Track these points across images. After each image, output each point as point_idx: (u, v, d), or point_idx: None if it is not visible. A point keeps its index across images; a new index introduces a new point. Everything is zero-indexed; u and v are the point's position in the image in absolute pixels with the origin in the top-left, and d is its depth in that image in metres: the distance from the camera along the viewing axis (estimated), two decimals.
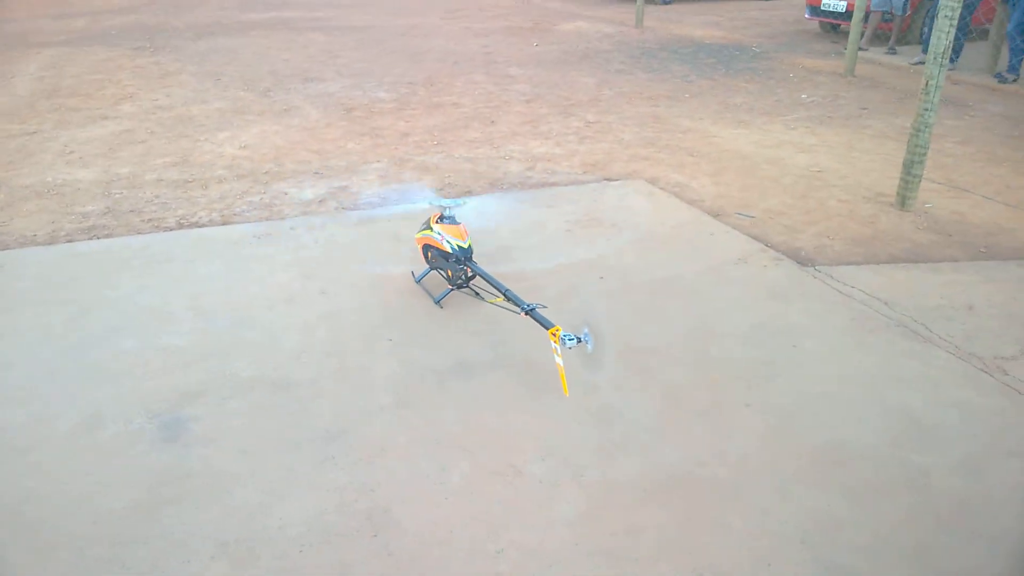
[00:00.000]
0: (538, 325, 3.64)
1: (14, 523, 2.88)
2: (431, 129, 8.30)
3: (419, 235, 4.67)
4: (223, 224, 5.69)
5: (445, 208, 4.48)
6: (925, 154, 5.94)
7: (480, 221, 5.65)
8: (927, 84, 5.71)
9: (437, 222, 4.50)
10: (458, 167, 7.07)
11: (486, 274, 4.13)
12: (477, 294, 4.49)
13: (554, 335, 3.43)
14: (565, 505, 3.01)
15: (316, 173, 6.84)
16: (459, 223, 4.46)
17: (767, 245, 5.40)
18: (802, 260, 5.17)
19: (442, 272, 4.58)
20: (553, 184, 6.61)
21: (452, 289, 4.51)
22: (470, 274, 4.35)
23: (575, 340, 3.34)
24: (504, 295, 3.88)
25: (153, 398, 3.60)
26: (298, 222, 5.73)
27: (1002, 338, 4.19)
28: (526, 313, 3.66)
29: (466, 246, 4.33)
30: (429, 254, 4.63)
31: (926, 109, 5.80)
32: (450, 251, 4.32)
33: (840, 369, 3.91)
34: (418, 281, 4.78)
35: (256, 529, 2.87)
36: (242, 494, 3.04)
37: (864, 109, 9.46)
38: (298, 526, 2.88)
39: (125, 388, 3.67)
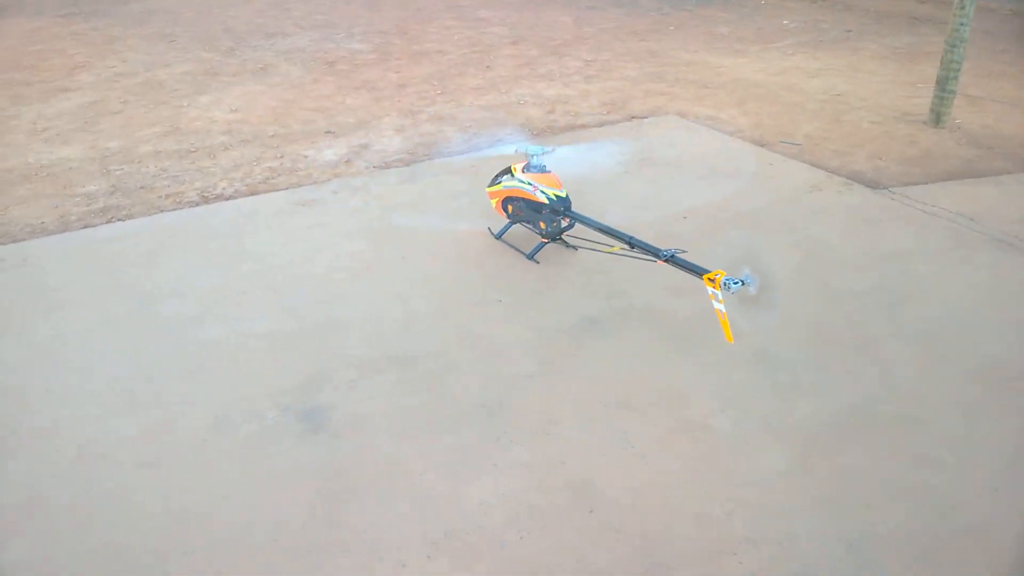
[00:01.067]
0: (660, 269, 3.42)
1: (185, 553, 2.52)
2: (427, 78, 7.85)
3: (495, 188, 4.36)
4: (252, 194, 5.22)
5: (532, 156, 4.17)
6: (959, 70, 5.91)
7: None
8: None
9: (523, 172, 4.19)
10: (475, 116, 6.70)
11: (598, 223, 3.87)
12: (568, 245, 4.23)
13: (711, 280, 3.21)
14: (767, 456, 2.86)
15: (328, 132, 6.37)
16: (549, 171, 4.16)
17: (828, 171, 5.30)
18: (869, 183, 5.09)
19: (529, 225, 4.29)
20: (583, 126, 6.33)
21: (546, 242, 4.24)
22: (565, 224, 4.08)
23: (739, 283, 3.12)
24: (629, 243, 3.63)
25: (273, 389, 3.25)
26: (337, 185, 5.31)
27: None
28: (666, 260, 3.42)
29: (563, 195, 4.05)
30: (510, 207, 4.33)
31: (961, 24, 5.75)
32: (547, 201, 4.04)
33: (960, 290, 3.85)
34: (499, 237, 4.48)
35: (459, 518, 2.61)
36: (424, 482, 2.77)
37: (849, 32, 9.45)
38: (502, 510, 2.64)
39: (238, 381, 3.30)
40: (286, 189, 5.26)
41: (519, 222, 4.37)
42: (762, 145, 5.84)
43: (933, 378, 3.25)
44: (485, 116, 6.66)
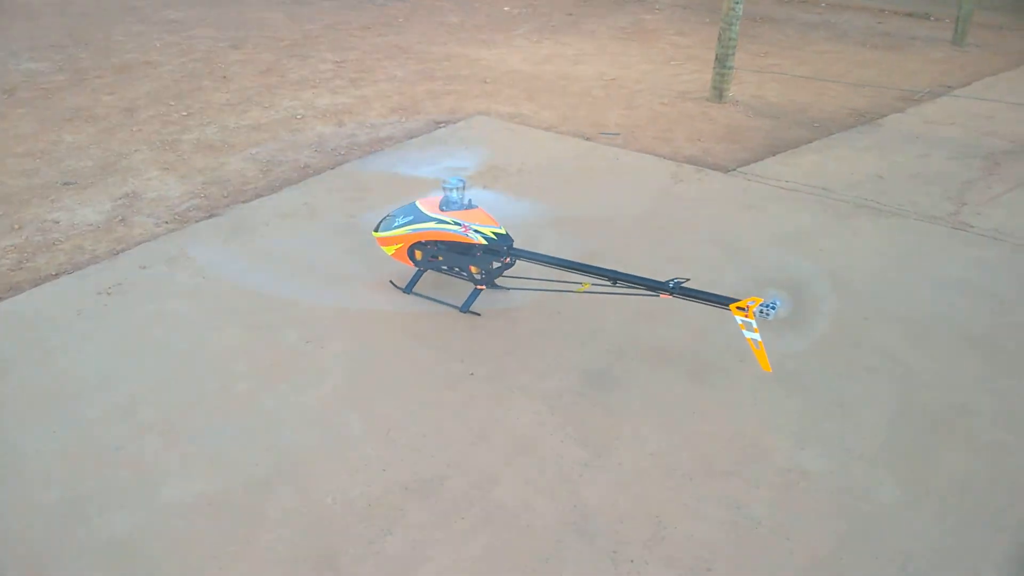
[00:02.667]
0: (621, 299, 3.02)
1: None
2: (157, 97, 6.35)
3: (394, 232, 3.54)
4: (8, 294, 3.67)
5: (450, 188, 3.43)
6: (735, 47, 6.27)
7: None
8: None
9: (440, 209, 3.44)
10: (253, 139, 5.54)
11: (558, 259, 3.29)
12: (506, 289, 3.60)
13: (741, 310, 2.86)
14: (881, 490, 2.61)
15: (67, 184, 4.77)
16: (476, 205, 3.46)
17: (671, 160, 5.26)
18: (715, 167, 5.15)
19: (454, 272, 3.56)
20: (391, 139, 5.56)
21: (482, 290, 3.53)
22: (502, 265, 3.44)
23: (774, 307, 2.80)
24: (612, 279, 3.12)
25: None
26: (140, 256, 3.95)
27: (929, 194, 4.69)
28: (672, 293, 2.99)
29: (503, 231, 3.40)
30: (419, 254, 3.55)
31: (736, 2, 6.07)
32: (484, 242, 3.35)
33: (879, 257, 3.99)
34: (410, 290, 3.66)
35: None
36: None
37: (570, 15, 9.71)
38: None
39: None
40: (59, 276, 3.78)
41: (434, 269, 3.60)
42: (589, 139, 5.63)
43: (924, 345, 3.26)
44: (266, 138, 5.53)
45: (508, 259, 3.40)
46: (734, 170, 5.08)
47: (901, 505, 2.53)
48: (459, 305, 3.54)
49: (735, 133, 5.79)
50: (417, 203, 3.54)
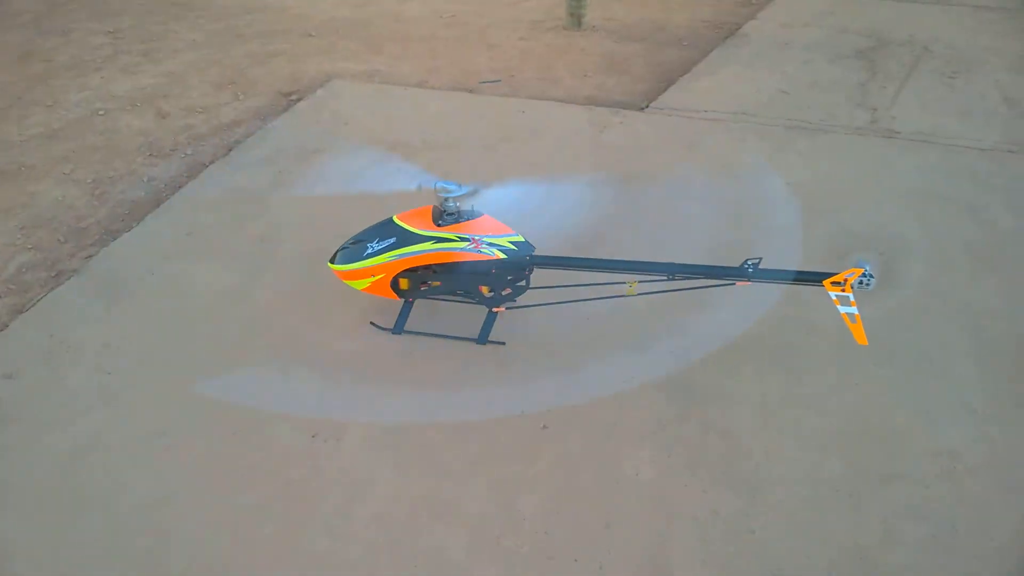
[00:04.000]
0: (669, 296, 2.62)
1: None
2: None
3: (373, 262, 2.76)
4: None
5: (448, 200, 2.69)
6: None
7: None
8: None
9: (439, 224, 2.70)
10: (61, 151, 4.20)
11: (600, 261, 2.72)
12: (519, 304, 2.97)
13: (837, 284, 2.53)
14: None
15: None
16: (481, 213, 2.76)
17: (569, 103, 4.76)
18: (624, 105, 4.74)
19: (458, 297, 2.86)
20: (239, 124, 4.51)
21: (498, 313, 2.87)
22: (526, 279, 2.81)
23: (872, 276, 2.51)
24: (671, 274, 2.62)
25: None
26: None
27: (838, 104, 4.65)
28: (750, 279, 2.57)
29: (521, 239, 2.75)
30: (404, 283, 2.82)
31: None
32: (504, 256, 2.69)
33: (842, 181, 3.87)
34: (401, 330, 2.91)
35: None
36: None
37: None
38: None
39: None
40: None
41: (427, 298, 2.88)
42: (471, 92, 4.94)
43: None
44: (73, 150, 4.23)
45: (530, 271, 2.76)
46: (647, 107, 4.70)
47: None
48: (474, 337, 2.86)
49: (615, 63, 5.38)
50: (397, 220, 2.76)
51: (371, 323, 2.96)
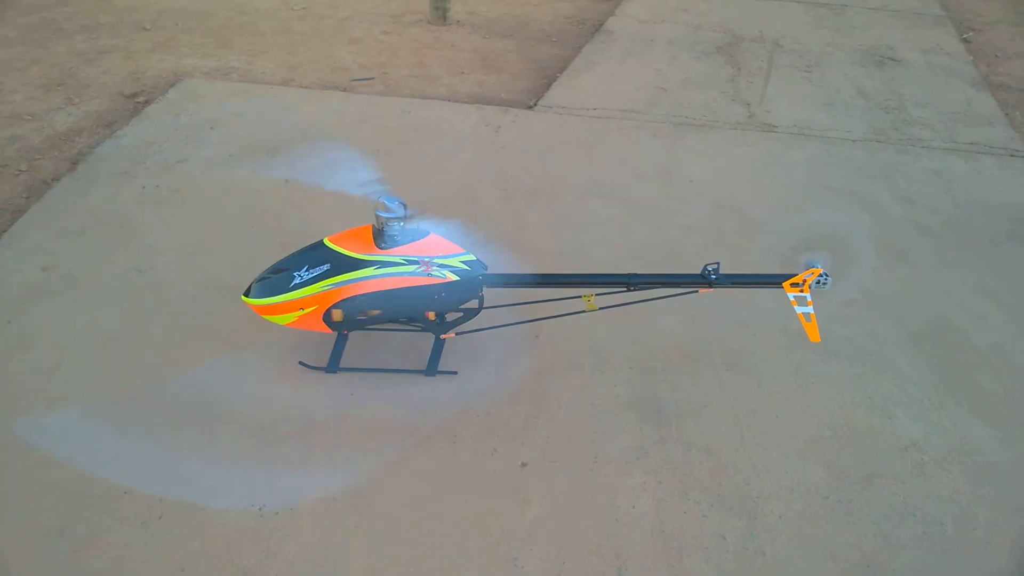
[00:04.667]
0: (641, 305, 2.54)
1: None
2: None
3: (299, 295, 2.41)
4: None
5: (393, 220, 2.37)
6: None
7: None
8: None
9: (379, 249, 2.40)
10: None
11: (555, 276, 2.53)
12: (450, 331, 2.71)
13: (795, 286, 2.56)
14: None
15: None
16: (428, 232, 2.47)
17: (452, 100, 4.54)
18: (511, 104, 4.59)
19: (399, 325, 2.57)
20: (79, 133, 3.87)
21: (445, 340, 2.60)
22: (479, 301, 2.57)
23: (828, 276, 2.56)
24: (627, 284, 2.49)
25: None
26: None
27: (716, 100, 4.76)
28: (711, 286, 2.51)
29: (473, 258, 2.50)
30: (337, 314, 2.48)
31: None
32: (456, 277, 2.44)
33: (748, 179, 3.92)
34: (336, 367, 2.56)
35: None
36: None
37: None
38: None
39: None
40: None
41: (367, 328, 2.56)
42: (344, 90, 4.58)
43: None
44: None
45: (482, 292, 2.52)
46: (535, 105, 4.57)
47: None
48: (421, 368, 2.57)
49: (489, 59, 5.21)
50: (329, 243, 2.42)
51: (300, 363, 2.58)
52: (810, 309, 2.57)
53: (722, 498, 2.23)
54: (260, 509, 2.10)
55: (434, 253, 2.41)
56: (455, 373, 2.58)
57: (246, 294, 2.45)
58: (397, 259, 2.38)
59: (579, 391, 2.54)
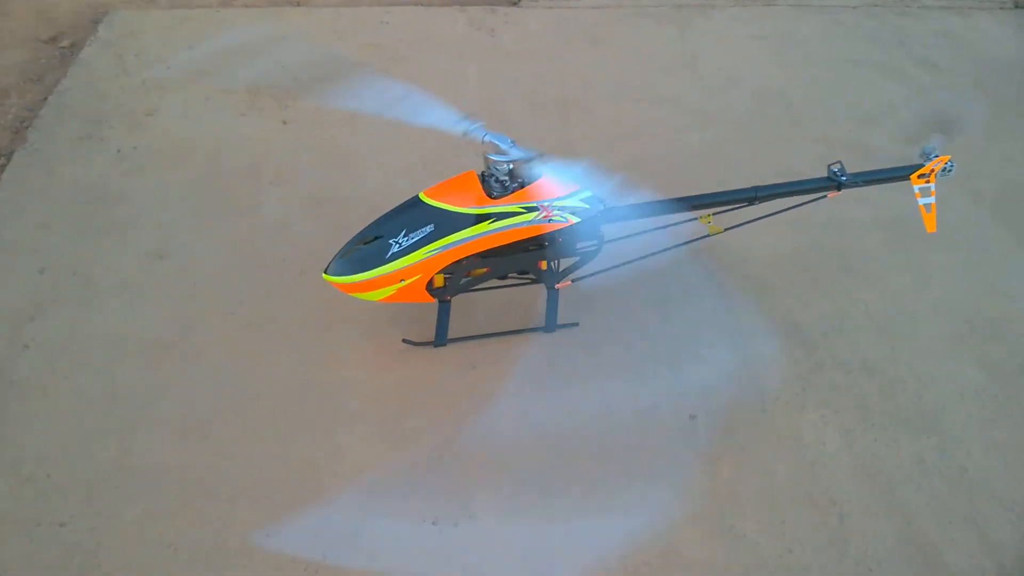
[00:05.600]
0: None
1: None
2: None
3: (402, 264, 2.03)
4: None
5: (505, 161, 1.99)
6: None
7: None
8: None
9: (492, 199, 2.03)
10: None
11: (674, 201, 2.24)
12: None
13: (922, 177, 2.38)
14: None
15: None
16: (539, 172, 2.10)
17: (434, 4, 4.02)
18: (494, 1, 4.10)
19: (510, 279, 2.24)
20: (7, 90, 3.17)
21: (559, 290, 2.29)
22: (598, 240, 2.25)
23: (952, 163, 2.40)
24: (751, 198, 2.23)
25: None
26: None
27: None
28: (841, 187, 2.29)
29: (590, 193, 2.16)
30: (441, 280, 2.14)
31: None
32: (578, 219, 2.12)
33: (761, 55, 3.68)
34: (444, 340, 2.23)
35: None
36: None
37: None
38: None
39: None
40: None
41: (473, 289, 2.22)
42: (297, 4, 3.96)
43: None
44: None
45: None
46: (518, 1, 4.09)
47: None
48: (539, 325, 2.27)
49: None
50: (429, 199, 2.02)
51: (404, 340, 2.22)
52: (932, 200, 2.42)
53: (903, 419, 2.11)
54: (434, 523, 1.80)
55: (551, 195, 2.06)
56: (577, 324, 2.29)
57: (328, 271, 2.05)
58: (514, 207, 2.02)
59: (711, 324, 2.31)
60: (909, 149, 2.29)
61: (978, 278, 2.55)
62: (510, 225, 2.02)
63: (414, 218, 2.01)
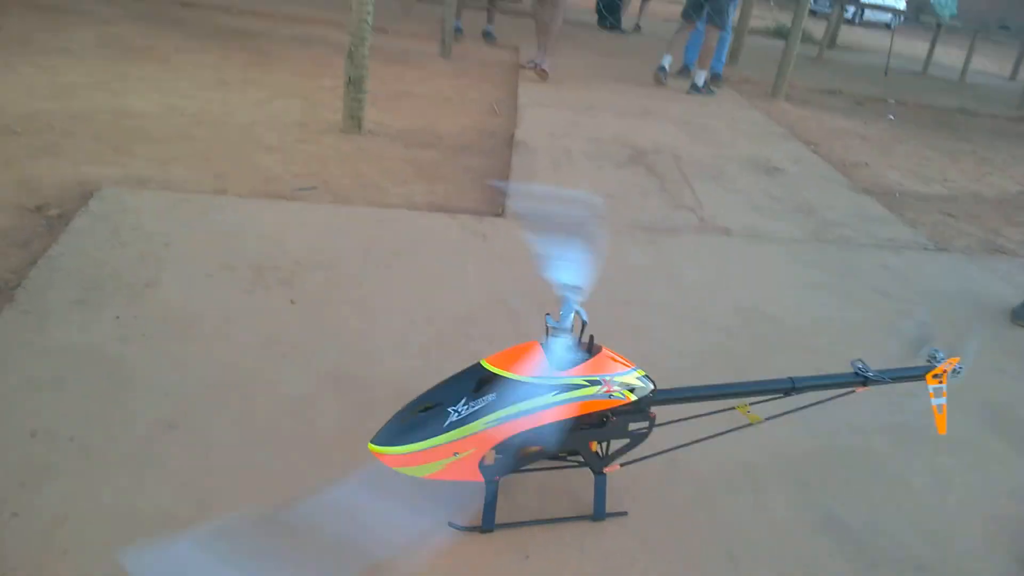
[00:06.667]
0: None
1: None
2: None
3: (456, 436, 1.95)
4: None
5: (565, 329, 2.01)
6: (367, 68, 5.29)
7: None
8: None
9: (556, 370, 2.01)
10: None
11: (717, 387, 2.27)
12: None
13: (936, 377, 2.55)
14: None
15: None
16: (599, 345, 2.11)
17: (422, 210, 4.22)
18: (479, 212, 4.35)
19: (552, 463, 2.15)
20: None
21: (606, 475, 2.20)
22: (649, 423, 2.23)
23: (962, 365, 2.59)
24: (787, 390, 2.31)
25: None
26: None
27: (658, 206, 4.87)
28: (865, 383, 2.40)
29: (644, 372, 2.18)
30: (491, 457, 2.05)
31: (364, 19, 5.09)
32: (634, 397, 2.11)
33: (728, 272, 3.98)
34: (491, 526, 2.07)
35: None
36: None
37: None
38: None
39: None
40: None
41: (520, 470, 2.12)
42: (289, 199, 4.09)
43: None
44: None
45: (653, 411, 2.19)
46: (503, 213, 4.35)
47: None
48: (586, 514, 2.15)
49: (424, 169, 4.96)
50: (491, 367, 1.97)
51: (450, 524, 2.04)
52: (944, 400, 2.54)
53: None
54: None
55: (612, 370, 2.05)
56: (626, 514, 2.18)
57: (375, 440, 1.92)
58: (579, 380, 1.99)
59: (757, 515, 2.25)
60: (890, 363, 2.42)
61: (990, 486, 2.63)
62: (574, 398, 1.98)
63: (476, 385, 1.94)
